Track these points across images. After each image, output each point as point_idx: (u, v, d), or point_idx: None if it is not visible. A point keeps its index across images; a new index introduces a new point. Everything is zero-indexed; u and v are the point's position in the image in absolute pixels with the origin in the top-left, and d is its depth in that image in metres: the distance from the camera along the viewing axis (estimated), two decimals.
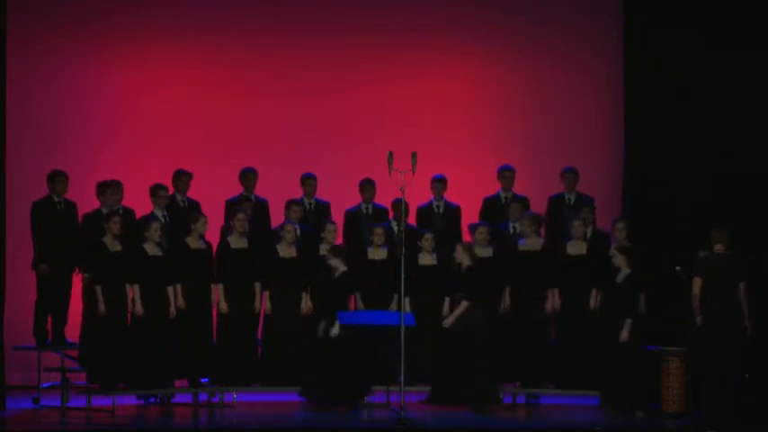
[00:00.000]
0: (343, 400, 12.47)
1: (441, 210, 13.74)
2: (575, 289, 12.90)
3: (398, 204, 12.78)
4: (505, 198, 13.75)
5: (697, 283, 11.96)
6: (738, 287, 11.90)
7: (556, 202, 13.84)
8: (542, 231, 13.30)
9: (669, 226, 13.82)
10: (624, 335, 12.17)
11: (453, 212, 13.77)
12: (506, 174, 13.80)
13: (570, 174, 13.81)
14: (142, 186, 13.36)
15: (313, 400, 12.57)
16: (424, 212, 13.74)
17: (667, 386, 12.18)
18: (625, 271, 12.38)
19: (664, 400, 12.19)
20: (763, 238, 13.51)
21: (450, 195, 13.79)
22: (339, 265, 12.59)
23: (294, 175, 13.85)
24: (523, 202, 13.67)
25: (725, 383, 11.81)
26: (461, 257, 12.70)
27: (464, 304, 12.57)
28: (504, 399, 12.85)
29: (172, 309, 12.61)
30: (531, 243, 13.00)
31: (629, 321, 12.19)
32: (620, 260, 12.41)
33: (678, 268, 12.53)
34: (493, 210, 13.73)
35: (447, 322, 12.62)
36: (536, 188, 14.05)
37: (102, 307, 12.49)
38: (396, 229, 13.19)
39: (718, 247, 12.03)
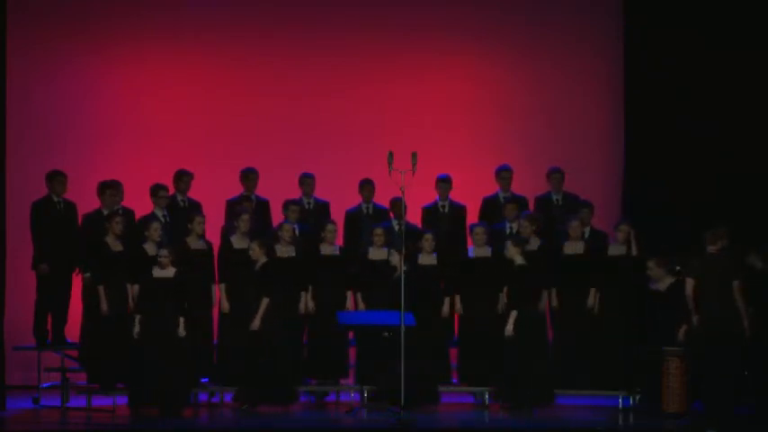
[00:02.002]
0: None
1: (446, 210, 13.74)
2: (573, 289, 12.91)
3: (397, 203, 12.80)
4: (504, 198, 13.75)
5: (690, 283, 11.98)
6: (733, 287, 11.91)
7: (543, 201, 13.84)
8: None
9: (669, 226, 13.82)
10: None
11: (459, 212, 13.76)
12: (504, 174, 13.80)
13: (557, 174, 13.82)
14: (142, 186, 13.36)
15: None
16: (430, 212, 13.74)
17: (667, 386, 12.18)
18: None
19: (664, 400, 12.19)
20: (762, 238, 13.50)
21: (451, 195, 13.77)
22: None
23: (294, 175, 13.84)
24: (520, 202, 13.67)
25: (725, 383, 11.82)
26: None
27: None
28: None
29: None
30: (529, 244, 13.00)
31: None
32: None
33: (678, 268, 12.53)
34: (492, 210, 13.72)
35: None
36: (536, 188, 14.05)
37: (104, 307, 12.51)
38: (397, 228, 13.19)
39: (712, 248, 12.04)
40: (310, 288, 13.02)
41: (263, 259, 12.55)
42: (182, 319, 12.16)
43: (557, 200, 13.80)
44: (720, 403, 11.81)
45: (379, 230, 13.10)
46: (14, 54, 13.29)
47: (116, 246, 12.65)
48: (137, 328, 12.12)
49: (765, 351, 12.16)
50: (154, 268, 12.25)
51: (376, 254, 13.09)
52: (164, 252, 12.27)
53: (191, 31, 14.89)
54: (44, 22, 14.69)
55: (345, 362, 13.13)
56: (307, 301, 13.00)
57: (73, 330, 13.09)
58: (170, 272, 12.26)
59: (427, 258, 13.01)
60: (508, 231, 13.38)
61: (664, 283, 12.46)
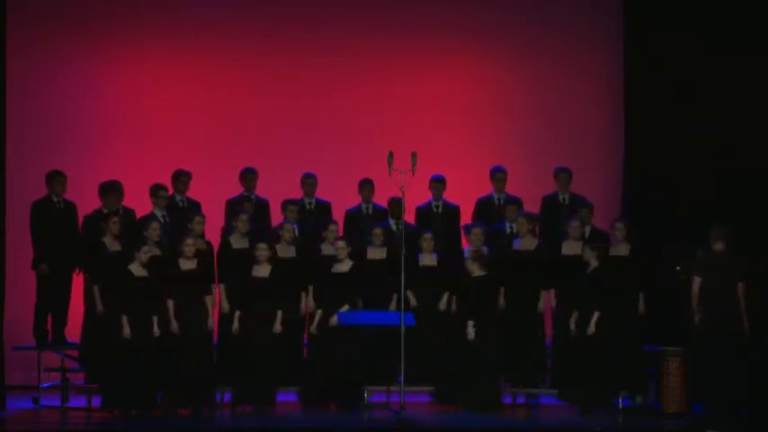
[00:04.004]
0: (340, 399, 12.49)
1: (439, 210, 13.74)
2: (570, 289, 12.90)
3: (394, 203, 12.84)
4: (498, 199, 13.74)
5: (696, 282, 11.98)
6: (737, 287, 11.92)
7: (550, 201, 13.83)
8: (536, 231, 13.30)
9: (669, 226, 13.83)
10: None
11: (452, 212, 13.76)
12: (499, 175, 13.78)
13: (564, 173, 13.80)
14: (142, 186, 13.36)
15: (309, 400, 12.62)
16: (423, 212, 13.74)
17: (667, 386, 12.18)
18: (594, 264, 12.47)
19: (664, 400, 12.19)
20: (763, 238, 13.51)
21: (450, 195, 13.78)
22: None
23: (294, 174, 13.85)
24: (518, 203, 13.66)
25: (725, 383, 11.82)
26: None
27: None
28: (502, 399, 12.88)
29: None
30: (526, 243, 13.00)
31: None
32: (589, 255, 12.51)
33: (678, 268, 12.54)
34: (486, 210, 13.72)
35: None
36: (536, 188, 14.04)
37: (99, 307, 12.51)
38: (394, 227, 13.20)
39: (718, 247, 12.04)
40: (311, 288, 13.00)
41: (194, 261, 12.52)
42: (155, 318, 12.15)
43: (563, 199, 13.78)
44: (720, 403, 11.82)
45: (378, 230, 13.10)
46: (14, 54, 13.29)
47: (113, 246, 12.65)
48: (126, 329, 12.10)
49: (765, 351, 12.17)
50: (132, 266, 12.23)
51: (375, 254, 13.09)
52: (146, 248, 12.25)
53: (191, 31, 14.90)
54: (44, 22, 14.69)
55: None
56: (308, 302, 12.99)
57: (73, 330, 13.09)
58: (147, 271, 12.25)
59: (427, 259, 13.01)
60: (508, 231, 13.38)
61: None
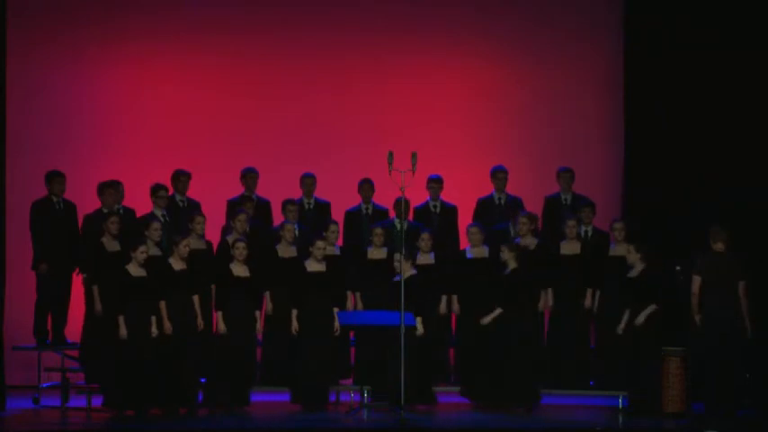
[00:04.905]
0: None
1: (437, 210, 13.74)
2: (568, 289, 12.89)
3: (400, 204, 12.86)
4: (499, 199, 13.74)
5: (696, 281, 11.98)
6: (738, 286, 11.91)
7: (552, 201, 13.83)
8: (539, 231, 13.30)
9: (669, 226, 13.83)
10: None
11: (450, 212, 13.76)
12: (499, 175, 13.78)
13: (566, 173, 13.80)
14: (142, 186, 13.36)
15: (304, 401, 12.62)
16: (421, 212, 13.74)
17: (667, 386, 12.18)
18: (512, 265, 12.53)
19: (664, 400, 12.19)
20: (763, 238, 13.52)
21: (449, 195, 13.78)
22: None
23: (295, 174, 13.85)
24: (519, 203, 13.66)
25: (725, 383, 11.82)
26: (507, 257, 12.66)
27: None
28: None
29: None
30: (526, 242, 12.99)
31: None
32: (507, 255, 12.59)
33: (678, 268, 12.54)
34: (487, 211, 13.72)
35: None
36: (536, 188, 14.05)
37: (98, 307, 12.51)
38: (399, 227, 13.21)
39: (718, 246, 12.04)
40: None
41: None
42: (154, 318, 12.14)
43: (565, 199, 13.78)
44: (721, 404, 11.82)
45: (378, 230, 13.10)
46: (14, 54, 13.29)
47: (112, 246, 12.64)
48: (122, 329, 12.08)
49: (766, 351, 12.17)
50: (129, 266, 12.21)
51: (376, 254, 13.10)
52: (142, 248, 12.24)
53: (191, 31, 14.89)
54: (44, 22, 14.69)
55: (346, 362, 13.13)
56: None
57: (73, 330, 13.09)
58: (144, 271, 12.22)
59: (425, 258, 13.01)
60: (512, 233, 13.37)
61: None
